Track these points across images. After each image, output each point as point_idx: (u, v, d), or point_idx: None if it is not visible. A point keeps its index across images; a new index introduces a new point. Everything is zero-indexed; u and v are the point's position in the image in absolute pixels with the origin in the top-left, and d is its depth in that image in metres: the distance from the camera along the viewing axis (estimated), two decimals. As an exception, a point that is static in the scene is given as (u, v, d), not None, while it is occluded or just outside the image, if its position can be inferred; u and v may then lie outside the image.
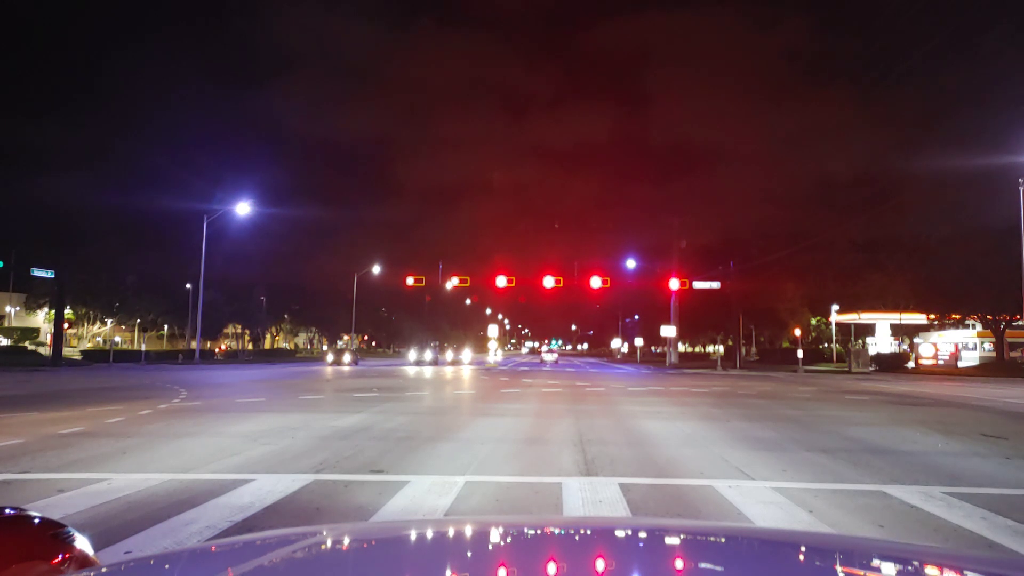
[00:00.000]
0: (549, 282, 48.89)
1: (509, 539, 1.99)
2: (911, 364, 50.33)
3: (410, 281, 53.13)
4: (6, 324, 63.93)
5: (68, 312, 52.45)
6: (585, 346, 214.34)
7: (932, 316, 53.70)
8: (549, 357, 73.47)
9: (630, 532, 2.23)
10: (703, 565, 1.74)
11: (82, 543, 2.04)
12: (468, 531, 2.18)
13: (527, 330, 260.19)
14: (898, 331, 62.01)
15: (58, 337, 44.64)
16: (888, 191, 58.03)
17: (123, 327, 71.18)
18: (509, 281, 49.91)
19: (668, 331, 61.29)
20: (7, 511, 2.08)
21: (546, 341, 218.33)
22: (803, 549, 1.94)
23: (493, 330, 77.38)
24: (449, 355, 62.69)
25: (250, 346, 75.83)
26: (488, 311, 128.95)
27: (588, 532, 2.21)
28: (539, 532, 2.18)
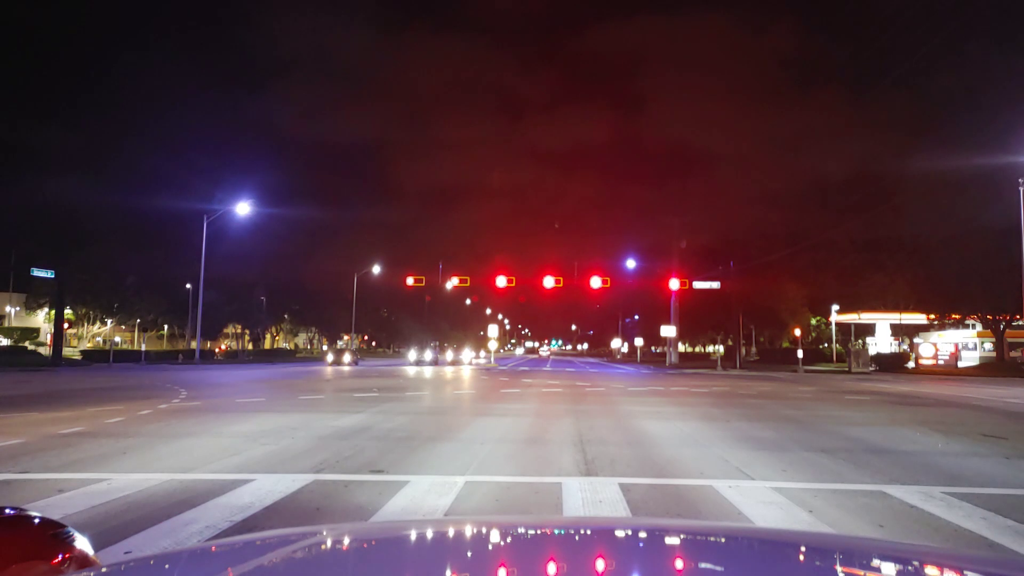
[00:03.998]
0: (549, 282, 48.90)
1: (509, 539, 1.99)
2: (911, 364, 50.34)
3: (410, 281, 53.16)
4: (6, 324, 63.87)
5: (68, 312, 52.47)
6: (585, 346, 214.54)
7: (932, 316, 53.71)
8: (545, 353, 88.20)
9: (630, 532, 2.23)
10: (703, 565, 1.74)
11: (82, 543, 2.04)
12: (468, 531, 2.18)
13: (527, 330, 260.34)
14: (898, 331, 62.03)
15: (58, 337, 44.64)
16: (887, 191, 58.00)
17: (123, 327, 71.16)
18: (509, 281, 49.91)
19: (668, 331, 61.31)
20: (7, 511, 2.08)
21: (546, 341, 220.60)
22: (803, 549, 1.94)
23: (493, 330, 77.17)
24: (449, 355, 62.70)
25: (250, 346, 75.80)
26: (488, 311, 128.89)
27: (588, 532, 2.21)
28: (539, 532, 2.18)
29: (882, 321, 61.22)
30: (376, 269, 68.70)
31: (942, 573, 1.70)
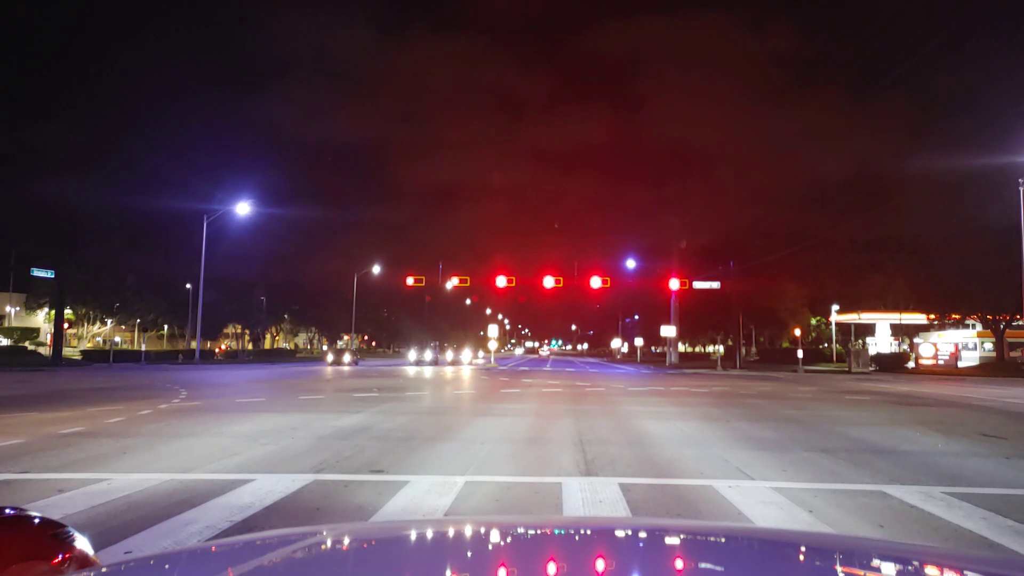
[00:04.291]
0: (549, 282, 48.91)
1: (509, 539, 1.99)
2: (911, 364, 50.33)
3: (410, 281, 53.18)
4: (6, 324, 63.86)
5: (68, 312, 52.46)
6: (585, 346, 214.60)
7: (932, 316, 53.73)
8: (544, 353, 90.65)
9: (630, 532, 2.23)
10: (703, 565, 1.74)
11: (82, 543, 2.04)
12: (468, 531, 2.18)
13: (527, 330, 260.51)
14: (898, 331, 62.02)
15: (58, 337, 44.64)
16: (887, 191, 57.99)
17: (123, 327, 71.18)
18: (509, 281, 49.92)
19: (668, 331, 61.32)
20: (7, 511, 2.08)
21: (546, 341, 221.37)
22: (803, 549, 1.94)
23: (493, 330, 77.17)
24: (449, 355, 62.71)
25: (250, 346, 75.80)
26: (488, 311, 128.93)
27: (588, 532, 2.21)
28: (539, 532, 2.18)
29: (882, 321, 61.21)
30: (376, 269, 68.78)
31: (942, 573, 1.70)
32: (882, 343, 62.08)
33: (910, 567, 1.72)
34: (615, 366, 61.58)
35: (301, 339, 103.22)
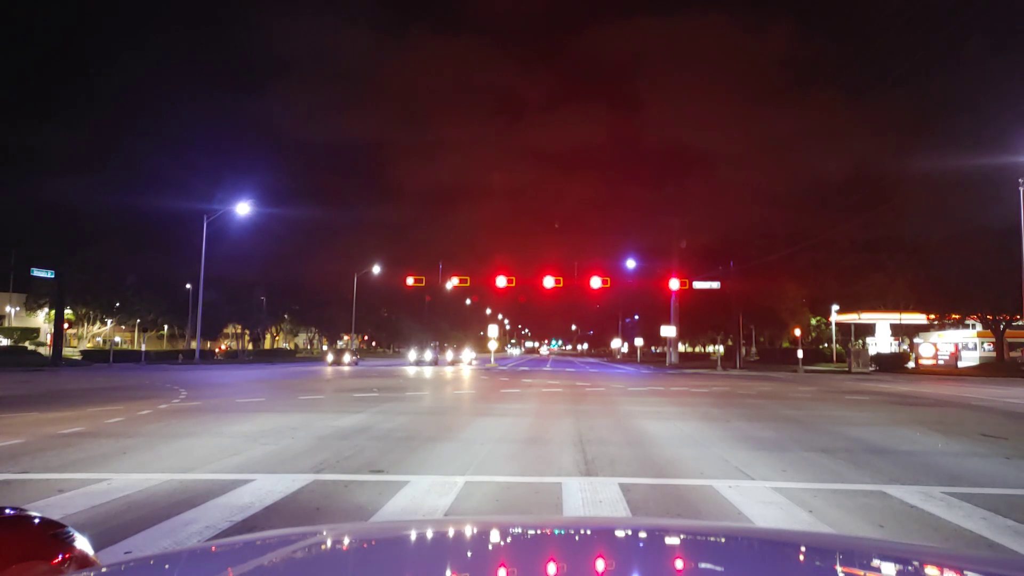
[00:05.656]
0: (549, 282, 48.92)
1: (509, 539, 1.99)
2: (911, 364, 50.33)
3: (410, 281, 53.21)
4: (6, 324, 63.83)
5: (68, 312, 52.46)
6: (585, 346, 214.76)
7: (932, 316, 53.71)
8: (544, 353, 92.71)
9: (630, 532, 2.23)
10: (703, 565, 1.74)
11: (82, 543, 2.04)
12: (468, 531, 2.18)
13: (527, 330, 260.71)
14: (898, 331, 62.01)
15: (58, 337, 44.62)
16: (887, 191, 57.91)
17: (123, 327, 71.14)
18: (509, 281, 49.93)
19: (668, 331, 61.35)
20: (7, 511, 2.08)
21: (546, 341, 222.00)
22: (803, 549, 1.94)
23: (493, 330, 77.22)
24: (449, 355, 62.72)
25: (250, 346, 75.76)
26: (488, 311, 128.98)
27: (588, 532, 2.21)
28: (539, 532, 2.18)
29: (882, 321, 61.21)
30: (376, 269, 68.83)
31: (942, 573, 1.70)
32: (882, 343, 62.08)
33: (910, 567, 1.72)
34: (615, 366, 61.58)
35: (301, 339, 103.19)
